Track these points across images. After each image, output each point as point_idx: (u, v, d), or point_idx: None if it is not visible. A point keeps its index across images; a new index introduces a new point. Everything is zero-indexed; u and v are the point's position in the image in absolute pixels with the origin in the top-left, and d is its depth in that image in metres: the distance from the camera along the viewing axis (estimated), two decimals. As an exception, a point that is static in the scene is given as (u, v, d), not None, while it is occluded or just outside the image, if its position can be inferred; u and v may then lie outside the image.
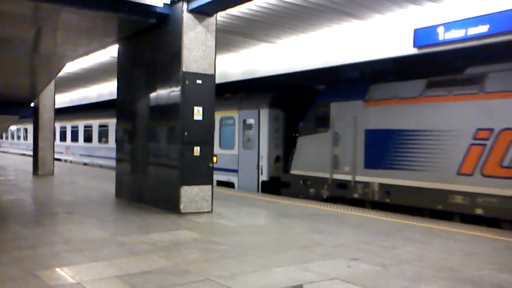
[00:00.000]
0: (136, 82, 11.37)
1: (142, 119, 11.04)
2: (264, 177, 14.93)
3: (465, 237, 7.84)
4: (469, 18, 9.75)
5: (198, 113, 9.50)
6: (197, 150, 9.46)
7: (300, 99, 15.35)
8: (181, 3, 9.32)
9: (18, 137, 44.07)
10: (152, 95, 10.50)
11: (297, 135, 14.40)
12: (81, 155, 29.85)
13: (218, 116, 15.14)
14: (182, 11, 9.31)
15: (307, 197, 13.15)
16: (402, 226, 8.67)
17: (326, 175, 12.95)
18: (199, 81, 9.49)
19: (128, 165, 11.62)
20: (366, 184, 11.93)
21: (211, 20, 9.66)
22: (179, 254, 6.25)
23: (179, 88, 9.39)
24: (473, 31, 9.64)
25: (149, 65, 10.76)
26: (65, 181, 16.51)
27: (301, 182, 13.61)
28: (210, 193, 9.63)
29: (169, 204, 9.57)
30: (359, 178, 12.13)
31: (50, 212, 9.80)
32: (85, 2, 8.83)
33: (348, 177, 12.40)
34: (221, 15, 10.73)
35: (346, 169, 12.48)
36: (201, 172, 9.52)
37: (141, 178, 10.90)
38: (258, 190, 14.79)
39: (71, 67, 18.38)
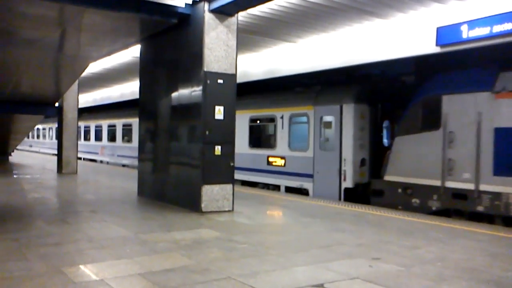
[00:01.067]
0: (158, 82, 11.49)
1: (164, 118, 11.15)
2: (348, 183, 12.81)
3: (489, 237, 7.73)
4: (494, 15, 9.59)
5: (219, 112, 9.56)
6: (218, 149, 9.52)
7: (391, 92, 13.64)
8: (202, 3, 9.39)
9: (51, 137, 42.51)
10: (174, 94, 10.60)
11: (384, 134, 13.21)
12: (119, 156, 28.28)
13: (286, 113, 14.75)
14: (204, 11, 9.38)
15: (408, 208, 11.12)
16: (424, 225, 8.58)
17: (435, 182, 10.78)
18: (220, 81, 9.55)
19: (150, 164, 11.75)
20: (496, 195, 9.73)
21: (232, 20, 9.71)
22: (200, 252, 6.30)
23: (200, 87, 9.46)
24: (498, 28, 9.48)
25: (170, 65, 10.86)
26: (88, 180, 16.75)
27: (399, 190, 11.49)
28: (231, 192, 9.67)
29: (190, 202, 9.65)
30: (485, 187, 9.94)
31: (74, 210, 9.96)
32: (108, 3, 8.96)
33: (468, 186, 10.21)
34: (242, 15, 10.77)
35: (465, 176, 10.30)
36: (222, 171, 9.57)
37: (163, 177, 11.00)
38: (339, 199, 12.84)
39: (94, 67, 18.63)
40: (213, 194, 9.44)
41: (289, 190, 14.55)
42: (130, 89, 24.58)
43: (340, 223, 8.66)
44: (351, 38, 12.89)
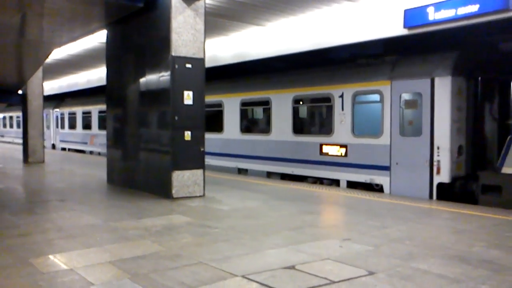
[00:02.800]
0: (126, 68, 11.29)
1: (132, 104, 10.98)
2: (443, 177, 10.12)
3: (454, 215, 7.92)
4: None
5: (188, 97, 9.46)
6: (188, 135, 9.44)
7: (492, 62, 10.88)
8: (168, -14, 9.21)
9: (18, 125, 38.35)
10: (142, 80, 10.43)
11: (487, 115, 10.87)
12: None
13: (348, 90, 12.01)
14: (170, -5, 9.20)
15: None
16: (393, 206, 8.73)
17: None
18: (188, 65, 9.44)
19: (120, 151, 11.59)
20: None
21: (200, 3, 9.56)
22: (171, 238, 6.26)
23: (168, 72, 9.33)
24: (462, 10, 9.60)
25: (138, 50, 10.67)
26: (56, 168, 16.43)
27: None
28: (202, 178, 9.63)
29: (161, 189, 9.57)
30: None
31: (42, 200, 9.76)
32: (71, -14, 8.71)
33: None
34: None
35: None
36: (193, 157, 9.50)
37: (133, 163, 10.87)
38: (430, 196, 10.27)
39: (59, 53, 18.16)
40: (183, 179, 9.38)
41: (353, 186, 12.02)
42: (97, 75, 24.07)
43: (310, 206, 8.73)
44: (320, 21, 12.88)
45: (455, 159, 10.27)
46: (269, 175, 14.26)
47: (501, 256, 5.43)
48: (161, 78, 9.63)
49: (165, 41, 9.38)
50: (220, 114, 16.19)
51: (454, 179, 10.22)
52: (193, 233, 6.58)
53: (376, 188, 11.37)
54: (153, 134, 10.16)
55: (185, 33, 9.41)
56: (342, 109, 12.17)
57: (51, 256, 5.40)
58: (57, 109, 30.85)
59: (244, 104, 15.40)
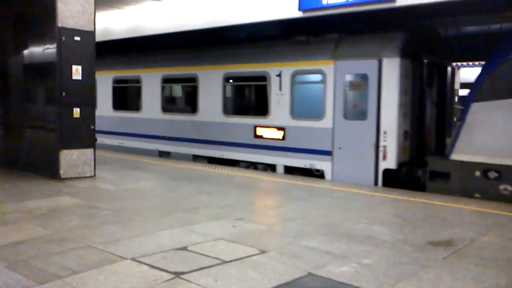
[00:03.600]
0: (5, 37, 10.36)
1: (15, 78, 10.16)
2: (389, 163, 9.76)
3: (345, 194, 8.34)
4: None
5: (76, 72, 8.94)
6: (76, 112, 8.95)
7: (438, 44, 10.91)
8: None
9: None
10: (25, 52, 9.67)
11: (462, 101, 10.53)
12: None
13: (287, 69, 11.14)
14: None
15: (490, 196, 8.54)
16: (288, 185, 8.99)
17: None
18: (77, 38, 8.90)
19: (2, 128, 10.68)
20: None
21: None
22: (58, 221, 5.91)
23: (54, 45, 8.74)
24: (353, -3, 9.99)
25: (18, 18, 9.83)
26: None
27: (477, 173, 8.85)
28: (92, 157, 9.19)
29: (47, 169, 9.00)
30: None
31: None
32: None
33: None
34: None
35: None
36: (82, 135, 9.03)
37: (16, 142, 10.09)
38: (376, 183, 9.91)
39: None
40: (72, 159, 8.89)
41: (290, 171, 11.24)
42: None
43: (206, 186, 8.71)
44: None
45: (401, 145, 9.97)
46: (196, 158, 13.34)
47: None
48: (46, 51, 8.98)
49: (50, 10, 8.73)
50: (138, 91, 14.99)
51: (400, 165, 9.93)
52: (81, 215, 6.27)
53: (317, 174, 10.74)
54: (38, 111, 9.48)
55: (73, 3, 8.84)
56: (280, 89, 11.39)
57: None
58: None
59: (166, 80, 14.19)
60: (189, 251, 4.79)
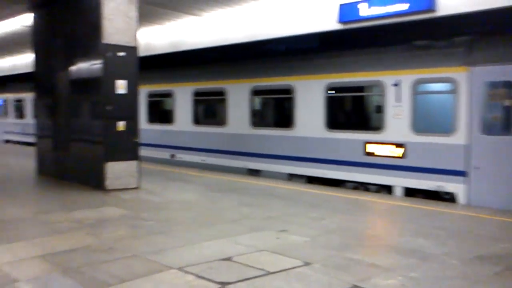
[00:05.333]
0: (55, 54, 10.78)
1: (62, 93, 10.53)
2: None
3: (388, 207, 8.23)
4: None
5: (121, 86, 9.19)
6: (121, 125, 9.18)
7: None
8: (100, -30, 8.87)
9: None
10: (73, 68, 10.03)
11: None
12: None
13: (407, 77, 9.83)
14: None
15: None
16: (330, 197, 8.93)
17: None
18: (121, 54, 9.16)
19: (50, 142, 11.08)
20: None
21: (131, -10, 9.30)
22: (105, 231, 6.09)
23: (100, 60, 9.03)
24: (392, 8, 9.93)
25: (67, 36, 10.22)
26: (-22, 159, 15.48)
27: None
28: (136, 169, 9.40)
29: (94, 180, 9.26)
30: None
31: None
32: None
33: None
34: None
35: None
36: (127, 148, 9.26)
37: (64, 154, 10.45)
38: None
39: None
40: (117, 171, 9.12)
41: (412, 193, 9.81)
42: (24, 60, 22.84)
43: (248, 197, 8.76)
44: (256, 12, 12.89)
45: None
46: (291, 177, 11.95)
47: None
48: (93, 66, 9.30)
49: (96, 28, 9.04)
50: (222, 103, 13.81)
51: None
52: (128, 225, 6.42)
53: (446, 198, 9.31)
54: (85, 124, 9.79)
55: (117, 20, 9.12)
56: (398, 100, 9.98)
57: (-27, 252, 5.09)
58: None
59: (256, 92, 12.95)
60: (233, 261, 4.84)
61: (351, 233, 6.16)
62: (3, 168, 12.96)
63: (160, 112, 16.37)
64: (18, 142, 24.72)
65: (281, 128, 12.24)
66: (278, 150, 12.17)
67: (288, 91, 11.97)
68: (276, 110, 13.61)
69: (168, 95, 15.54)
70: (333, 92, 11.30)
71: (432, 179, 9.46)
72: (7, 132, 26.41)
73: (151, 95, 16.18)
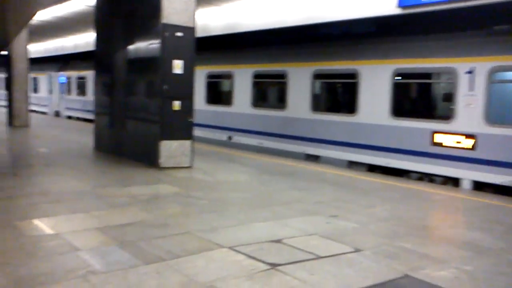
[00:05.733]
0: (115, 34, 11.06)
1: (121, 71, 10.81)
2: None
3: (442, 197, 8.01)
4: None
5: (178, 66, 9.33)
6: (176, 104, 9.34)
7: None
8: (162, -49, 8.97)
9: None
10: (131, 47, 10.25)
11: None
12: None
13: (483, 65, 9.37)
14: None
15: None
16: (382, 186, 8.79)
17: None
18: (179, 34, 9.28)
19: (107, 119, 11.45)
20: None
21: (194, -30, 9.37)
22: (158, 207, 6.26)
23: (158, 40, 9.18)
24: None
25: (127, 16, 10.45)
26: (41, 133, 16.19)
27: None
28: (190, 148, 9.58)
29: (148, 158, 9.51)
30: None
31: (27, 164, 9.64)
32: None
33: None
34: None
35: None
36: (181, 127, 9.43)
37: (121, 131, 10.77)
38: None
39: (44, 15, 17.74)
40: (171, 149, 9.32)
41: (480, 187, 9.45)
42: (84, 39, 23.61)
43: (299, 181, 8.76)
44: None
45: None
46: (351, 165, 11.75)
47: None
48: (151, 46, 9.47)
49: (156, 8, 9.19)
50: (282, 87, 13.64)
51: None
52: (180, 203, 6.57)
53: None
54: (141, 103, 10.04)
55: (176, 1, 9.23)
56: (471, 89, 9.53)
57: (36, 220, 5.36)
58: (62, 73, 28.34)
59: (318, 76, 12.65)
60: (284, 244, 4.87)
61: (403, 222, 6.05)
62: (64, 143, 13.52)
63: (219, 93, 16.37)
64: (79, 118, 25.63)
65: (343, 114, 12.04)
66: (338, 136, 11.98)
67: (352, 75, 11.69)
68: (338, 95, 13.36)
69: (227, 76, 15.52)
70: (400, 78, 10.96)
71: (504, 173, 9.05)
72: (68, 108, 27.47)
73: (211, 76, 16.22)
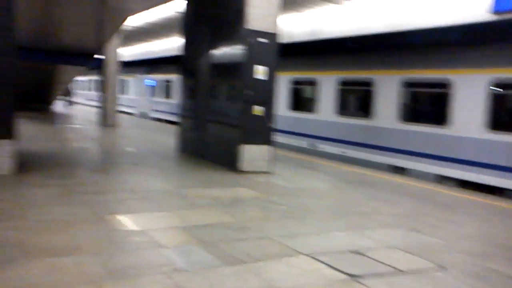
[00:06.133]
0: (200, 39, 11.40)
1: (204, 76, 11.12)
2: None
3: (532, 215, 7.51)
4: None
5: (260, 72, 9.45)
6: (257, 109, 9.47)
7: None
8: (247, -41, 9.16)
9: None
10: (215, 52, 10.53)
11: None
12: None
13: None
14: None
15: None
16: (466, 201, 8.40)
17: None
18: (262, 40, 9.41)
19: (191, 121, 11.83)
20: None
21: (279, -23, 9.47)
22: (239, 210, 6.36)
23: (242, 46, 9.36)
24: None
25: (213, 22, 10.74)
26: (129, 133, 17.03)
27: None
28: (270, 153, 9.66)
29: (228, 161, 9.71)
30: None
31: (115, 162, 10.19)
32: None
33: None
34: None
35: None
36: (261, 132, 9.54)
37: (203, 134, 11.08)
38: None
39: (136, 21, 18.65)
40: (252, 154, 9.46)
41: None
42: (171, 44, 24.56)
43: (379, 192, 8.56)
44: (398, 1, 12.35)
45: None
46: (443, 180, 11.17)
47: None
48: (234, 51, 9.68)
49: (240, 13, 9.38)
50: (368, 95, 13.28)
51: None
52: (260, 207, 6.65)
53: None
54: (223, 107, 10.28)
55: (260, 7, 9.36)
56: None
57: (124, 215, 5.64)
58: (149, 76, 29.68)
59: (408, 84, 12.24)
60: (363, 255, 4.78)
61: (490, 241, 5.74)
62: (150, 144, 14.12)
63: (302, 99, 16.32)
64: (164, 120, 26.58)
65: (434, 125, 11.57)
66: (429, 148, 11.51)
67: (444, 85, 11.19)
68: (429, 105, 12.71)
69: (311, 83, 15.47)
70: (501, 89, 10.28)
71: None
72: (154, 110, 28.71)
73: (294, 82, 16.26)
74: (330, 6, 14.17)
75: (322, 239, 5.27)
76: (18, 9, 7.81)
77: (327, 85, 14.62)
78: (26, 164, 8.54)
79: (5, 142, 7.65)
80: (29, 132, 14.38)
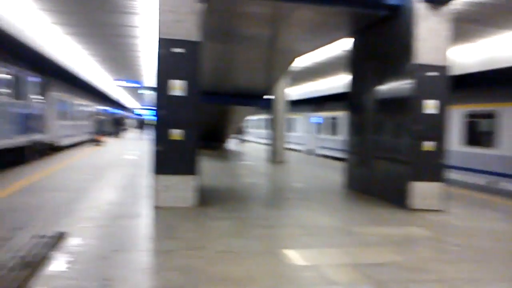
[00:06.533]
0: (367, 75, 11.45)
1: (371, 112, 11.10)
2: None
3: None
4: None
5: (430, 106, 9.15)
6: (428, 145, 9.13)
7: None
8: (414, -7, 9.07)
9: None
10: (382, 87, 10.47)
11: None
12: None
13: None
14: (415, 2, 9.07)
15: None
16: None
17: None
18: (431, 73, 9.15)
19: (358, 158, 11.83)
20: None
21: (445, 9, 9.18)
22: (411, 250, 6.16)
23: (410, 80, 9.19)
24: None
25: (378, 58, 10.74)
26: (296, 169, 17.57)
27: None
28: (442, 191, 9.19)
29: (397, 198, 9.45)
30: None
31: (284, 197, 10.61)
32: (322, -1, 9.27)
33: None
34: (457, 3, 10.07)
35: None
36: (433, 168, 9.16)
37: (370, 170, 10.98)
38: None
39: (303, 61, 19.43)
40: (422, 191, 9.10)
41: None
42: (337, 82, 25.00)
43: None
44: None
45: None
46: None
47: None
48: (402, 86, 9.53)
49: (408, 48, 9.26)
50: None
51: None
52: (434, 247, 6.35)
53: None
54: (391, 142, 10.10)
55: (429, 40, 9.14)
56: None
57: (294, 250, 5.85)
58: (315, 113, 30.62)
59: None
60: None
61: None
62: (317, 180, 14.40)
63: (479, 133, 15.39)
64: (331, 157, 26.77)
65: None
66: None
67: None
68: None
69: (489, 115, 14.53)
70: None
71: None
72: (321, 147, 29.30)
73: (467, 115, 15.44)
74: (507, 33, 13.18)
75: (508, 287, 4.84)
76: (202, 61, 8.76)
77: (510, 116, 13.47)
78: (205, 198, 9.37)
79: (190, 177, 8.52)
80: (206, 168, 15.70)
